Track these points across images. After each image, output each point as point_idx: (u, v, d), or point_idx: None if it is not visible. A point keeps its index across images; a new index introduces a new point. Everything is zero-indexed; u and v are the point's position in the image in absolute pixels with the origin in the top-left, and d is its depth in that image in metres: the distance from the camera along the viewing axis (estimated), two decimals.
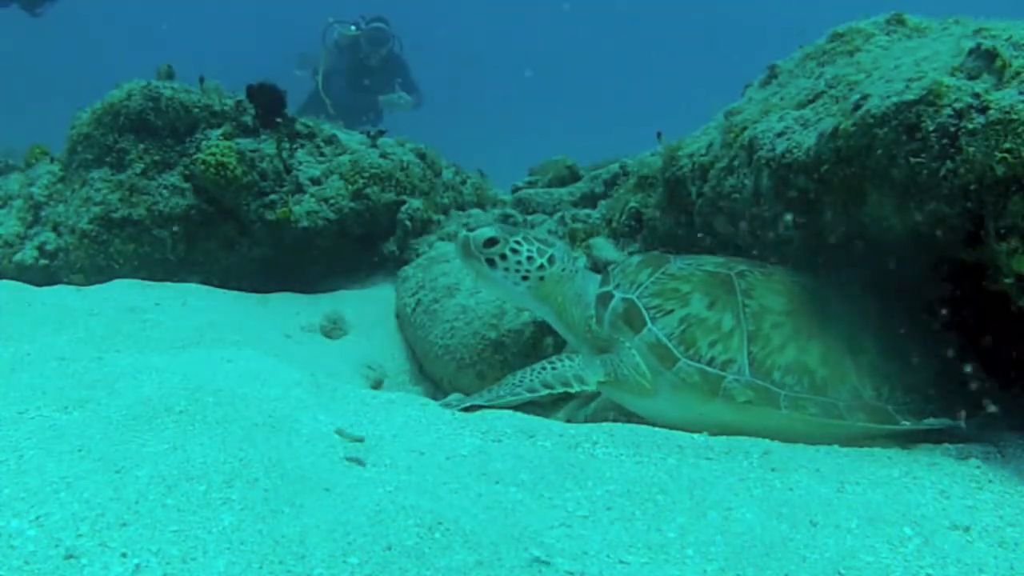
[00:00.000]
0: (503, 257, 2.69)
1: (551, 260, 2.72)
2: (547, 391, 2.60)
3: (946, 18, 2.82)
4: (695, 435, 2.33)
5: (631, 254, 3.66)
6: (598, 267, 3.70)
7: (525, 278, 2.70)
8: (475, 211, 5.44)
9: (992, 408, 2.52)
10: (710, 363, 2.45)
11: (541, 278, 2.71)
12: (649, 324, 2.54)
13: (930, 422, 2.41)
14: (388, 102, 11.34)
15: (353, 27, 11.27)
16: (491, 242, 2.69)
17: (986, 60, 2.12)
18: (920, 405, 2.47)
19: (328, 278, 5.03)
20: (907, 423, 2.40)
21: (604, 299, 2.69)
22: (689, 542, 1.65)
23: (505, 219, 4.94)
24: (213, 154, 4.56)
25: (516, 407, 2.63)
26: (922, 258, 2.47)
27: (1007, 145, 1.98)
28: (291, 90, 5.10)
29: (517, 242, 2.70)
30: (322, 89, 11.04)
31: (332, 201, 4.81)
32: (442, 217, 5.12)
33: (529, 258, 2.70)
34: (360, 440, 2.09)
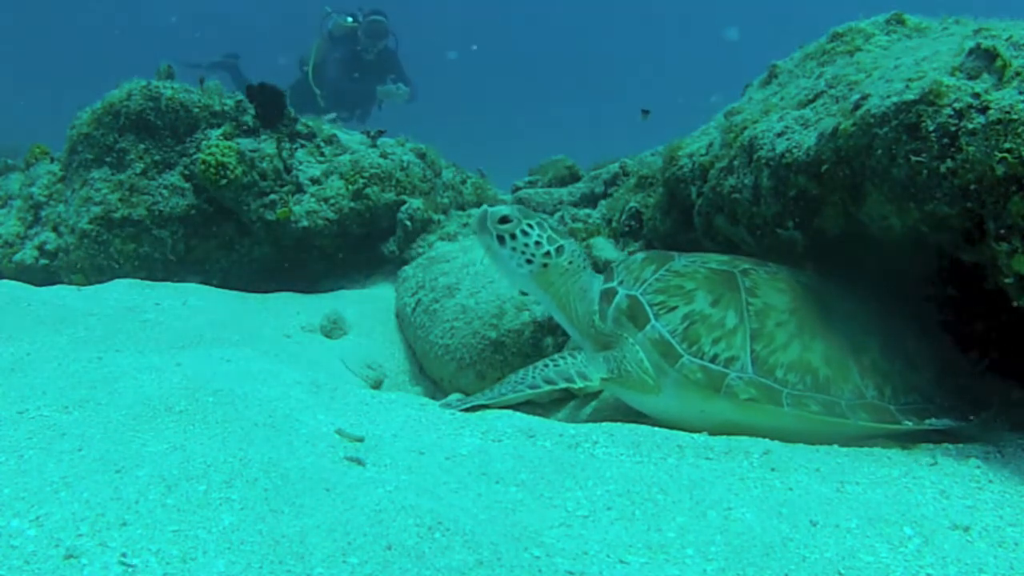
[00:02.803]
0: (513, 236, 2.72)
1: (559, 250, 2.73)
2: (550, 387, 2.60)
3: (946, 18, 2.83)
4: (695, 435, 2.33)
5: (631, 253, 3.66)
6: (598, 267, 3.70)
7: (529, 261, 2.73)
8: (475, 211, 5.44)
9: (993, 409, 2.52)
10: (713, 360, 2.45)
11: (545, 265, 2.72)
12: (653, 320, 2.55)
13: (932, 422, 2.41)
14: (385, 92, 11.27)
15: (350, 18, 11.20)
16: (505, 220, 2.73)
17: (986, 60, 2.12)
18: (922, 405, 2.47)
19: (328, 278, 5.03)
20: (909, 423, 2.40)
21: (608, 295, 2.70)
22: (689, 542, 1.65)
23: None
24: (213, 154, 4.56)
25: (516, 407, 2.64)
26: (922, 258, 2.47)
27: (1007, 145, 1.98)
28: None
29: (529, 225, 2.73)
30: (312, 79, 10.98)
31: (332, 201, 4.81)
32: (442, 217, 5.12)
33: (537, 243, 2.72)
34: (360, 440, 2.10)
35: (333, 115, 10.63)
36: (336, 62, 11.19)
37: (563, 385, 2.61)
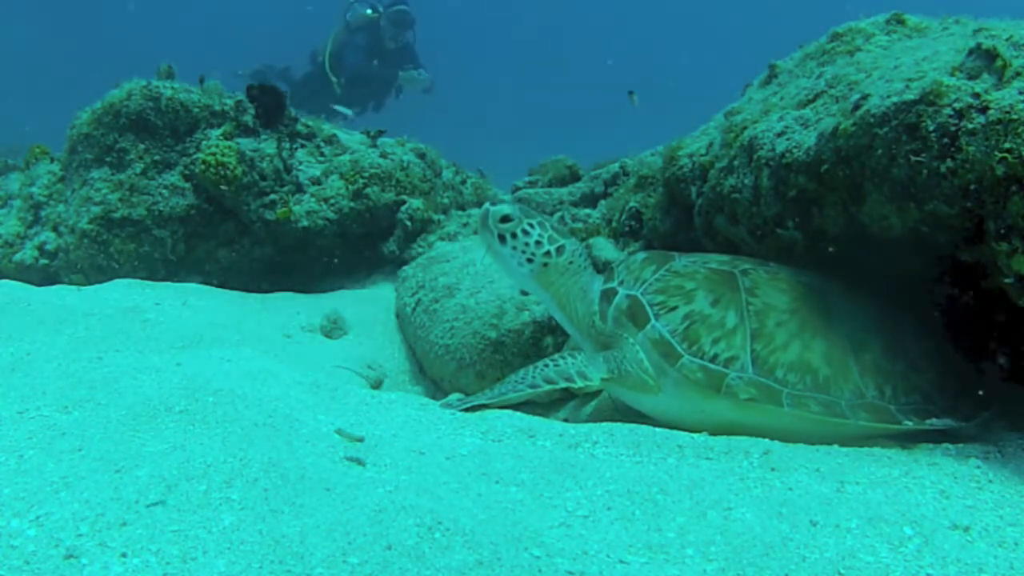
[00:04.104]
0: (514, 236, 2.72)
1: (560, 250, 2.73)
2: (550, 386, 2.61)
3: (946, 18, 2.83)
4: (695, 435, 2.33)
5: (631, 253, 3.66)
6: (598, 267, 3.70)
7: (530, 260, 2.73)
8: (475, 211, 5.44)
9: (994, 409, 2.52)
10: (713, 360, 2.45)
11: (545, 264, 2.73)
12: (653, 320, 2.55)
13: (932, 423, 2.41)
14: (408, 78, 11.38)
15: (369, 10, 11.28)
16: (506, 219, 2.73)
17: (986, 60, 2.12)
18: (923, 405, 2.47)
19: (328, 278, 5.03)
20: (910, 423, 2.40)
21: (608, 295, 2.70)
22: (689, 542, 1.65)
23: None
24: (213, 154, 4.56)
25: (516, 407, 2.64)
26: (922, 258, 2.47)
27: (1007, 145, 1.98)
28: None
29: (530, 224, 2.73)
30: (330, 68, 11.02)
31: (332, 201, 4.81)
32: (442, 217, 5.12)
33: (538, 242, 2.72)
34: (360, 440, 2.10)
35: (344, 109, 10.72)
36: (357, 48, 11.26)
37: (563, 385, 2.61)
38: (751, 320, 2.48)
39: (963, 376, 2.59)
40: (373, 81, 11.34)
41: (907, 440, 2.46)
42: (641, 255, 2.86)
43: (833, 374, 2.43)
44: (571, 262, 2.75)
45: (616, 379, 2.59)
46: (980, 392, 2.53)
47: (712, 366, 2.44)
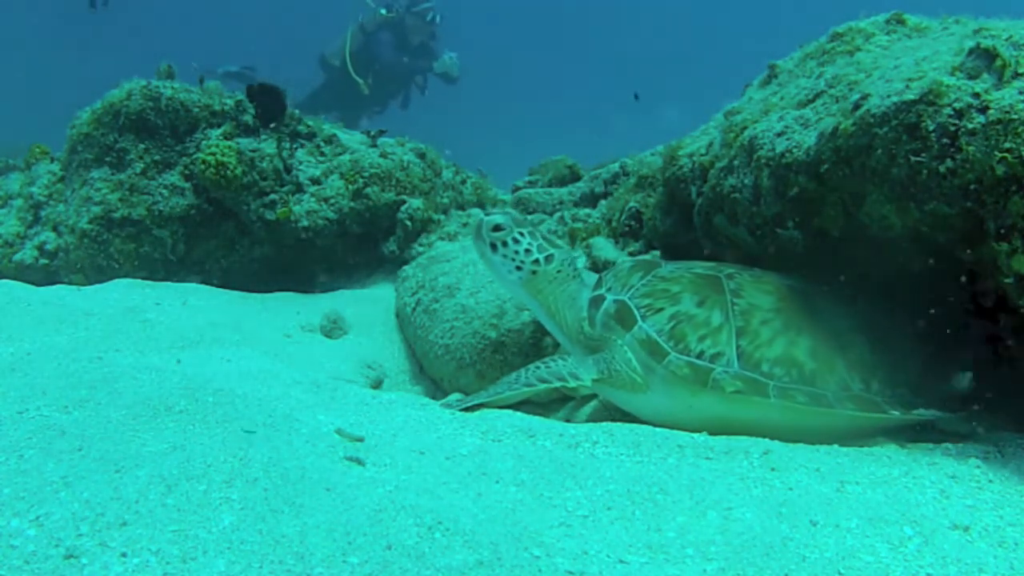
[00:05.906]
0: (504, 244, 2.79)
1: (549, 259, 2.79)
2: (544, 385, 2.65)
3: (946, 18, 2.83)
4: (695, 435, 2.34)
5: (631, 254, 3.67)
6: (598, 267, 3.71)
7: (519, 268, 2.79)
8: (475, 211, 5.44)
9: (983, 404, 2.53)
10: (699, 356, 2.49)
11: (534, 272, 2.79)
12: (640, 322, 2.59)
13: (920, 412, 2.45)
14: (442, 64, 11.64)
15: (384, 10, 11.37)
16: (498, 228, 2.80)
17: (986, 60, 2.12)
18: (909, 398, 2.50)
19: (328, 278, 5.03)
20: (896, 413, 2.43)
21: (596, 301, 2.76)
22: (689, 542, 1.65)
23: None
24: (213, 154, 4.56)
25: (516, 406, 2.66)
26: (922, 258, 2.47)
27: (1007, 145, 1.98)
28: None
29: (521, 233, 2.81)
30: (354, 70, 11.08)
31: (332, 201, 4.81)
32: (442, 217, 5.12)
33: (527, 251, 2.78)
34: (360, 440, 2.10)
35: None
36: (386, 44, 11.37)
37: (557, 384, 2.66)
38: (736, 319, 2.53)
39: (953, 371, 2.61)
40: (404, 76, 11.47)
41: (906, 439, 2.47)
42: (628, 263, 2.93)
43: (819, 368, 2.47)
44: (559, 271, 2.82)
45: (606, 379, 2.62)
46: (970, 386, 2.55)
47: (698, 362, 2.48)
